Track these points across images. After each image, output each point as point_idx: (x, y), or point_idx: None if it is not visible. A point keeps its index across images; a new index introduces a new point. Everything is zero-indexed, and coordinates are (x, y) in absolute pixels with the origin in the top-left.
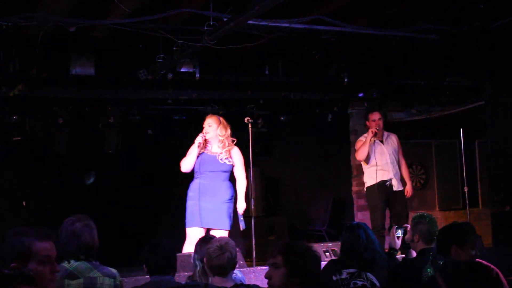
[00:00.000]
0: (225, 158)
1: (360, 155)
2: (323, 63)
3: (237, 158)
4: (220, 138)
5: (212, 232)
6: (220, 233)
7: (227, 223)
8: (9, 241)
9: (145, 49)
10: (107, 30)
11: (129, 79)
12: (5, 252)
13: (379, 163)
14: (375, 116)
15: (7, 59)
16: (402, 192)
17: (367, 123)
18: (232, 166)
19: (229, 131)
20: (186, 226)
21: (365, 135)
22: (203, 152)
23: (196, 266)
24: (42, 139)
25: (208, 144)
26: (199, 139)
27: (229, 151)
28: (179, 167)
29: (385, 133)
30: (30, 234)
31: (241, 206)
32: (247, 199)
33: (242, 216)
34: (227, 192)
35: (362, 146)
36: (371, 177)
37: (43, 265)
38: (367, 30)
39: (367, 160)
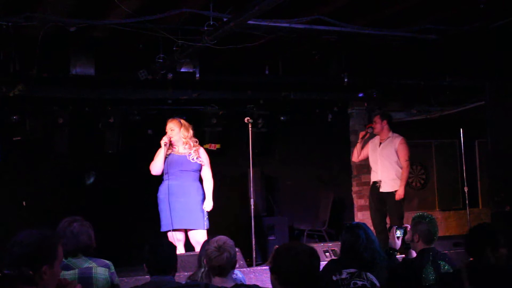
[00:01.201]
0: (196, 158)
1: (352, 156)
2: (323, 63)
3: (204, 157)
4: (184, 140)
5: (191, 233)
6: (199, 233)
7: (202, 223)
8: (36, 244)
9: (145, 49)
10: (107, 30)
11: (129, 79)
12: (36, 254)
13: (372, 165)
14: (374, 119)
15: (7, 59)
16: (389, 194)
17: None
18: (201, 165)
19: (191, 132)
20: (164, 229)
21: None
22: (171, 153)
23: (201, 267)
24: (42, 139)
25: (174, 146)
26: (165, 139)
27: (197, 151)
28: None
29: (390, 136)
30: (53, 237)
31: (209, 205)
32: (247, 199)
33: (207, 215)
34: (198, 192)
35: (354, 148)
36: (371, 177)
37: (58, 266)
38: (367, 30)
39: (368, 161)
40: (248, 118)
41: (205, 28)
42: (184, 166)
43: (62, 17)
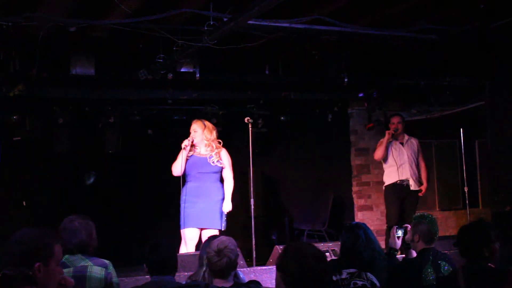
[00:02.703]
0: (217, 161)
1: (376, 154)
2: (323, 63)
3: (225, 159)
4: (206, 142)
5: (204, 232)
6: (213, 232)
7: (219, 223)
8: (30, 241)
9: (145, 49)
10: (107, 30)
11: (129, 79)
12: (29, 252)
13: (398, 163)
14: (394, 120)
15: (7, 59)
16: (416, 192)
17: (390, 125)
18: (222, 167)
19: (214, 134)
20: (180, 228)
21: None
22: (192, 155)
23: (203, 266)
24: (42, 139)
25: (196, 147)
26: (185, 142)
27: (218, 153)
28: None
29: (406, 137)
30: (50, 235)
31: (227, 206)
32: (247, 199)
33: (225, 216)
34: (219, 192)
35: (380, 146)
36: (389, 176)
37: (57, 266)
38: (367, 30)
39: (386, 160)
40: (248, 118)
41: (205, 28)
42: (203, 169)
43: (62, 17)
